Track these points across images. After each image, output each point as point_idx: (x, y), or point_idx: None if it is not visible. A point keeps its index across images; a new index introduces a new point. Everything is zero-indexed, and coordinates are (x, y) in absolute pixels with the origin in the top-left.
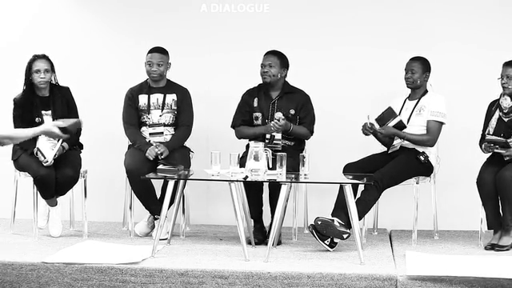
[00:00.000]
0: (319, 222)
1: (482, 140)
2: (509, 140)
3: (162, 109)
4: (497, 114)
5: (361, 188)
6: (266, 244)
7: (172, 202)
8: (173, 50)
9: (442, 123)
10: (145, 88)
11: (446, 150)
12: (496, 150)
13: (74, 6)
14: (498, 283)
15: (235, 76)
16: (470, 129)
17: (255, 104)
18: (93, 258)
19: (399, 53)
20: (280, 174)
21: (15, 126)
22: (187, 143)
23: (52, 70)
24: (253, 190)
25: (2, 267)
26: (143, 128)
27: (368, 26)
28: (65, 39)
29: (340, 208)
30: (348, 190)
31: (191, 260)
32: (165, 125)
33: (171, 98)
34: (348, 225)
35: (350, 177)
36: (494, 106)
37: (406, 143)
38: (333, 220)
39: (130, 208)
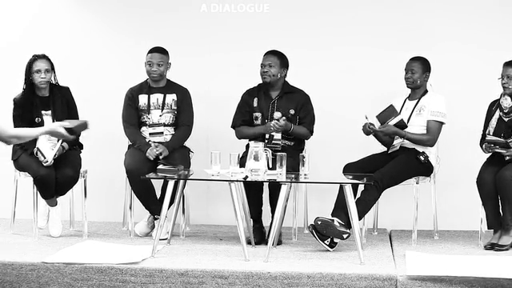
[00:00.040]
0: (319, 222)
1: (483, 140)
2: (509, 140)
3: (162, 109)
4: (497, 113)
5: (361, 188)
6: (266, 244)
7: (172, 201)
8: (173, 50)
9: (442, 123)
10: (145, 88)
11: (446, 150)
12: (497, 150)
13: (74, 6)
14: (498, 283)
15: (235, 76)
16: (469, 129)
17: (255, 104)
18: (93, 258)
19: (399, 53)
20: (280, 174)
21: (15, 126)
22: (187, 143)
23: (52, 69)
24: (253, 189)
25: (2, 267)
26: (143, 128)
27: (368, 25)
28: (65, 39)
29: (340, 208)
30: (348, 190)
31: (191, 260)
32: (165, 125)
33: (171, 97)
34: (348, 225)
35: (350, 177)
36: (495, 105)
37: (407, 143)
38: (333, 220)
39: (130, 208)
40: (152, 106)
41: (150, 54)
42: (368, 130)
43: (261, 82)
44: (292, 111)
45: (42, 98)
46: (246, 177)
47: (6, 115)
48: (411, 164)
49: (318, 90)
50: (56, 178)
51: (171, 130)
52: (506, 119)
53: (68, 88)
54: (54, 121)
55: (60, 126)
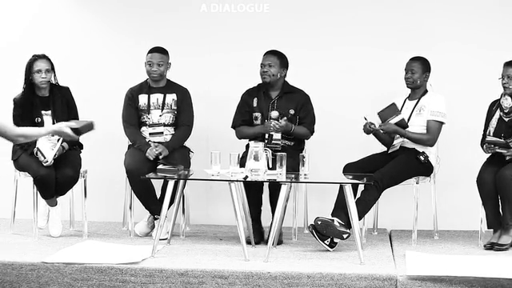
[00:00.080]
0: (319, 222)
1: (483, 140)
2: (509, 140)
3: (162, 109)
4: (497, 114)
5: (361, 188)
6: (265, 244)
7: (172, 201)
8: (173, 50)
9: (441, 123)
10: (145, 88)
11: (446, 150)
12: (497, 150)
13: (74, 6)
14: (498, 283)
15: (235, 76)
16: (470, 129)
17: (255, 104)
18: (93, 258)
19: (399, 53)
20: (280, 174)
21: None
22: (187, 143)
23: (52, 69)
24: (253, 189)
25: (2, 267)
26: (143, 128)
27: (368, 25)
28: (65, 39)
29: (340, 208)
30: (348, 189)
31: (191, 260)
32: (165, 125)
33: (171, 97)
34: (348, 225)
35: (350, 177)
36: (495, 106)
37: (407, 141)
38: (333, 220)
39: (130, 208)
40: (152, 106)
41: (150, 54)
42: (368, 129)
43: (261, 81)
44: (292, 111)
45: (42, 98)
46: (246, 177)
47: (6, 115)
48: (411, 164)
49: (318, 90)
50: (56, 178)
51: (171, 129)
52: (507, 119)
53: (68, 88)
54: (53, 121)
55: (66, 126)
